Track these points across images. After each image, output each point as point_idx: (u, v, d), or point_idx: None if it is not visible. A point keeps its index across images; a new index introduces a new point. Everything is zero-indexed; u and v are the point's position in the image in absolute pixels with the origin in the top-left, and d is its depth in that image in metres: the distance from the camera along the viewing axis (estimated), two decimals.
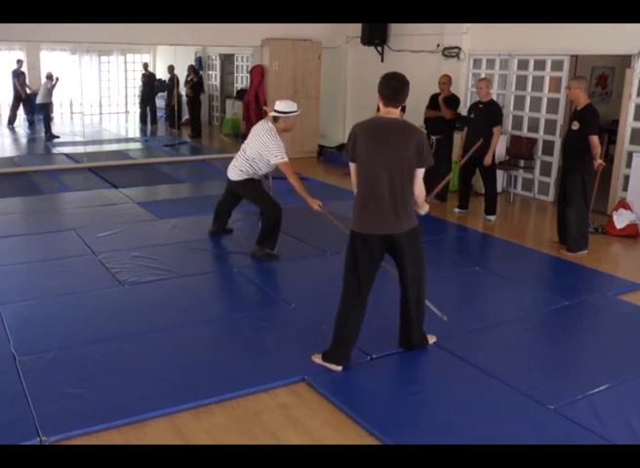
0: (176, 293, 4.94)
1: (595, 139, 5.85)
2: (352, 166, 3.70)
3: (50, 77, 12.77)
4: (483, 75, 8.97)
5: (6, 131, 14.98)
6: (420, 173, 3.63)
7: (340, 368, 3.74)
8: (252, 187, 5.72)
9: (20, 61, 13.63)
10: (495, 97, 7.94)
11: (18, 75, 13.40)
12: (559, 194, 6.45)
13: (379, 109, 3.68)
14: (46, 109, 12.95)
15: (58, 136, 12.91)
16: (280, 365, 3.81)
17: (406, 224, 3.66)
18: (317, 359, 3.82)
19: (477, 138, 6.90)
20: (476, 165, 7.13)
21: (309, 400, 3.49)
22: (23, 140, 13.60)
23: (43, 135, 13.03)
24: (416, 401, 3.46)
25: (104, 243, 5.97)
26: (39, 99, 12.80)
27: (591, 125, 5.85)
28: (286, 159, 5.43)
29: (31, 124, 14.23)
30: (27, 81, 13.55)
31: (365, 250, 3.66)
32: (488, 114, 7.06)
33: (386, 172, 3.54)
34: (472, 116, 7.27)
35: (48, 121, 13.07)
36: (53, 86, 12.81)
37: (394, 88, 3.56)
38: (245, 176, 5.64)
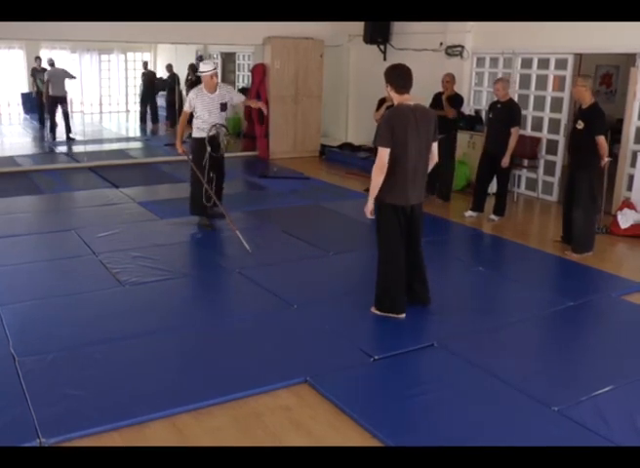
0: (177, 294, 4.91)
1: (602, 140, 5.81)
2: (385, 151, 4.06)
3: (52, 64, 12.28)
4: (486, 74, 8.94)
5: (6, 130, 14.97)
6: (435, 145, 4.27)
7: (404, 315, 4.34)
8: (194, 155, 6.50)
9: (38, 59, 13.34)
10: None
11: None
12: (565, 193, 6.37)
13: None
14: (64, 103, 12.32)
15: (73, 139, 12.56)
16: (282, 366, 3.78)
17: (423, 194, 4.39)
18: (376, 310, 4.39)
19: (496, 139, 6.84)
20: (494, 165, 7.04)
21: (311, 401, 3.46)
22: (23, 140, 13.54)
23: (49, 133, 12.71)
24: (419, 402, 3.42)
25: (105, 243, 5.94)
26: (56, 92, 12.06)
27: (597, 125, 5.81)
28: (185, 109, 6.48)
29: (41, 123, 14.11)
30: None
31: (401, 219, 4.24)
32: (506, 114, 6.89)
33: (419, 151, 4.14)
34: (491, 116, 7.13)
35: (67, 118, 12.49)
36: (69, 75, 12.27)
37: (403, 76, 4.11)
38: (196, 134, 6.44)
